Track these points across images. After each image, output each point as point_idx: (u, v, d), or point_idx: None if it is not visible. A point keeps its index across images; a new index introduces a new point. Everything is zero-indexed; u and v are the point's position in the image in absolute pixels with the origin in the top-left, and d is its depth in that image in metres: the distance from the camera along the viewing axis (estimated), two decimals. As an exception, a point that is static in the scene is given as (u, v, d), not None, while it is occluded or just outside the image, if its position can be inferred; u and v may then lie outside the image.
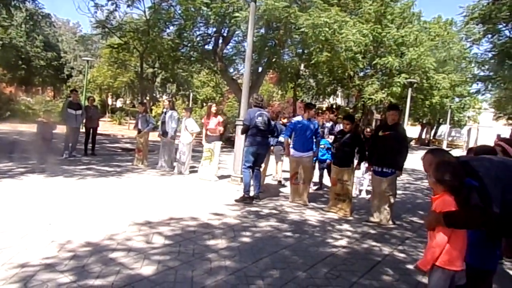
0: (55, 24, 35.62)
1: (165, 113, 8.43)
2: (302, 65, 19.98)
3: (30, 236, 3.53)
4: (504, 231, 2.30)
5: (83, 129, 9.91)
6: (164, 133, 8.31)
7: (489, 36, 14.16)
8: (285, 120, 8.18)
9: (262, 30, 14.85)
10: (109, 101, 39.90)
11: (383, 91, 20.03)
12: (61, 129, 8.95)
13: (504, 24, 12.61)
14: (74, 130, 9.09)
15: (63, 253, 3.20)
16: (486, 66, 16.78)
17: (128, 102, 40.32)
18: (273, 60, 15.48)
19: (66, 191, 5.56)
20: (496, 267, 2.70)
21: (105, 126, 21.08)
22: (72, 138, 9.05)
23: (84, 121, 9.53)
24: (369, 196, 7.00)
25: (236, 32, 15.18)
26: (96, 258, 3.13)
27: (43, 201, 4.85)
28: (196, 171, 8.06)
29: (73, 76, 38.46)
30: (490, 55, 15.06)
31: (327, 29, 12.10)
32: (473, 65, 21.26)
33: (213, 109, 7.85)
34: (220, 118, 7.81)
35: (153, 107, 24.52)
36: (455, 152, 15.36)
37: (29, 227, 3.76)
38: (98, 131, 10.61)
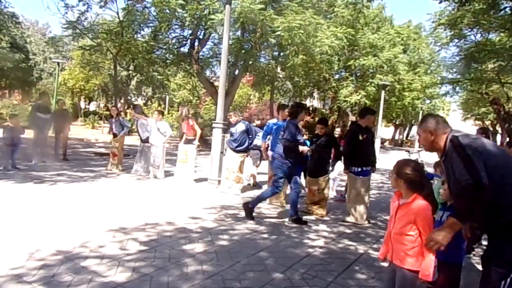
0: (22, 25, 34.28)
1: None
2: (279, 68, 20.15)
3: (-4, 246, 3.36)
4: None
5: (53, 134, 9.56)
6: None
7: (456, 40, 14.78)
8: (258, 122, 8.25)
9: (238, 33, 14.87)
10: (82, 105, 38.70)
11: (358, 93, 20.52)
12: (29, 133, 8.61)
13: (469, 29, 13.19)
14: (43, 134, 8.76)
15: (32, 262, 3.07)
16: (454, 69, 17.52)
17: (102, 105, 39.27)
18: (250, 62, 15.52)
19: (36, 198, 5.34)
20: (462, 260, 2.82)
21: (78, 130, 20.44)
22: (41, 143, 8.72)
23: (53, 125, 9.20)
24: (334, 195, 7.13)
25: (212, 35, 15.14)
26: (67, 267, 3.03)
27: (10, 208, 4.64)
28: (171, 175, 7.95)
29: (43, 79, 37.07)
30: (457, 58, 15.72)
31: (302, 31, 12.26)
32: (441, 68, 22.18)
33: (184, 112, 7.83)
34: (190, 122, 7.72)
35: (128, 110, 24.01)
36: (426, 152, 15.89)
37: (-6, 236, 3.59)
38: (70, 136, 10.28)
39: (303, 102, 33.41)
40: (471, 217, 2.07)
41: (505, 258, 2.11)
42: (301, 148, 5.00)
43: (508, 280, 2.10)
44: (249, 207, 5.06)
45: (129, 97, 34.24)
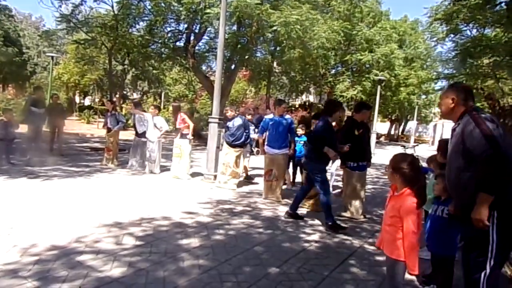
0: (15, 18, 33.87)
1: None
2: (275, 63, 20.08)
3: (-10, 241, 3.34)
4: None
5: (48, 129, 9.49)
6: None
7: (452, 35, 14.76)
8: (249, 117, 8.31)
9: (234, 27, 14.79)
10: (77, 99, 38.40)
11: (354, 88, 20.57)
12: (23, 128, 8.54)
13: (465, 24, 13.19)
14: (37, 129, 8.68)
15: (27, 257, 3.05)
16: (450, 64, 17.52)
17: (97, 100, 39.01)
18: (246, 57, 15.45)
19: (30, 193, 5.31)
20: (455, 253, 2.84)
21: (73, 125, 20.29)
22: (35, 137, 8.65)
23: (47, 120, 9.14)
24: (335, 191, 7.15)
25: (208, 29, 15.03)
26: (62, 262, 3.02)
27: (4, 203, 4.60)
28: (168, 170, 7.93)
29: (37, 73, 36.78)
30: (453, 53, 15.72)
31: (298, 26, 12.21)
32: (437, 63, 22.23)
33: (173, 106, 7.85)
34: (179, 116, 7.68)
35: (123, 105, 23.89)
36: (421, 147, 15.99)
37: (-12, 232, 3.56)
38: (65, 130, 10.21)
39: (300, 97, 33.44)
40: (497, 186, 2.09)
41: (482, 246, 2.14)
42: (326, 149, 4.51)
43: (488, 271, 2.13)
44: (330, 224, 4.57)
45: (124, 92, 34.01)
